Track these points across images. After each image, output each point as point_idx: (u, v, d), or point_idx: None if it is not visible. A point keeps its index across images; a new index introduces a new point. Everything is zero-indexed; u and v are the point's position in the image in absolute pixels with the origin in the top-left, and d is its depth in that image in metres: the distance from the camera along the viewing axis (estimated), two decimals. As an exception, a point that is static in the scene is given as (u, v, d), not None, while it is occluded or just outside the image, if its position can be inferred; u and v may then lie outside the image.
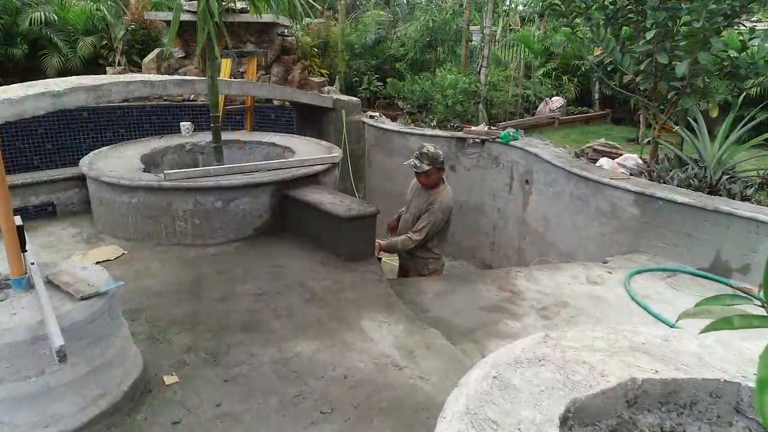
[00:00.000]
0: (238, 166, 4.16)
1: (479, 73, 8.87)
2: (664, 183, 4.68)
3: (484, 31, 8.73)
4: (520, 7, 15.19)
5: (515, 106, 10.29)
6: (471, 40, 11.45)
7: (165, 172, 3.89)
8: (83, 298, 2.05)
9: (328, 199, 3.88)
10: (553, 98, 10.42)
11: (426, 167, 3.67)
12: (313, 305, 3.14)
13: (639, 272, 4.02)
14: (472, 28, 11.38)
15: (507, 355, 1.81)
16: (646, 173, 4.99)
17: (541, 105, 10.25)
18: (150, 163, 4.88)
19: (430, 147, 3.74)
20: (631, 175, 5.17)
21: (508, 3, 13.73)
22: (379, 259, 3.85)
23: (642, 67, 4.74)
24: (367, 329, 2.88)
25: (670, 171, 4.91)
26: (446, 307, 3.46)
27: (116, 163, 4.39)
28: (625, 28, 5.31)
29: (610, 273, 4.04)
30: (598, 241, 4.77)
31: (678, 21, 4.68)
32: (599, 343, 1.84)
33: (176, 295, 3.22)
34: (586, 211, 4.89)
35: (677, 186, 4.56)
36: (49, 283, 2.15)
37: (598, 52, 5.24)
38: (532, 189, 5.91)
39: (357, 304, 3.17)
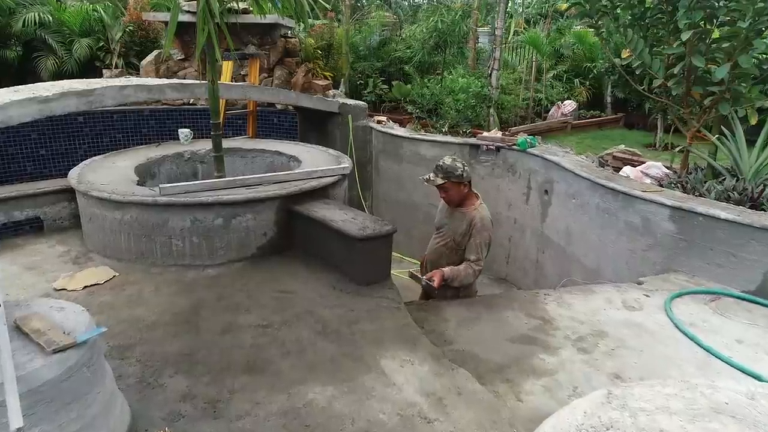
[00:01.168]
0: (241, 179, 3.82)
1: (490, 76, 8.55)
2: (700, 195, 4.34)
3: (496, 32, 8.41)
4: (521, 9, 14.91)
5: (526, 110, 9.98)
6: (477, 42, 11.15)
7: (160, 186, 3.55)
8: (56, 351, 1.71)
9: (338, 216, 3.54)
10: (565, 102, 10.10)
11: (440, 180, 3.35)
12: (326, 339, 2.79)
13: (679, 295, 3.67)
14: (479, 29, 11.09)
15: (568, 422, 1.47)
16: (679, 185, 4.64)
17: (553, 109, 9.93)
18: (145, 173, 4.54)
19: (447, 159, 3.42)
20: (660, 185, 4.83)
21: (519, 2, 13.43)
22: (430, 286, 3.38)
23: (675, 70, 4.40)
24: (388, 370, 2.54)
25: (705, 182, 4.57)
26: (472, 337, 3.12)
27: (108, 174, 4.05)
28: (652, 28, 4.97)
29: (647, 296, 3.69)
30: (628, 258, 4.42)
31: (714, 21, 4.35)
32: (674, 404, 1.51)
33: (172, 328, 2.88)
34: (615, 225, 4.54)
35: (715, 199, 4.22)
36: (17, 330, 1.81)
37: (626, 54, 4.90)
38: (551, 199, 5.56)
39: (375, 337, 2.82)
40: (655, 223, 4.16)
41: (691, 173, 4.90)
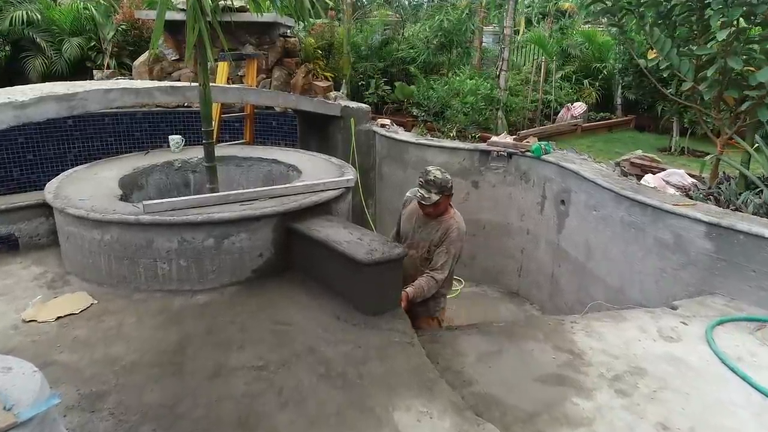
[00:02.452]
0: (234, 194, 3.45)
1: (498, 77, 8.19)
2: (736, 210, 3.98)
3: (505, 32, 8.05)
4: (522, 9, 14.59)
5: (534, 112, 9.61)
6: (482, 42, 10.79)
7: (144, 203, 3.18)
8: (-9, 436, 1.35)
9: (343, 236, 3.17)
10: (574, 104, 9.73)
11: (435, 197, 3.07)
12: (330, 384, 2.43)
13: (720, 323, 3.31)
14: (484, 28, 10.72)
15: None
16: (711, 197, 4.28)
17: (562, 111, 9.56)
18: (132, 185, 4.18)
19: (436, 172, 3.11)
20: (689, 196, 4.47)
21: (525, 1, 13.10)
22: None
23: (709, 72, 4.04)
24: (403, 426, 2.17)
25: (740, 194, 4.22)
26: (494, 376, 2.76)
27: (89, 188, 3.69)
28: (680, 27, 4.61)
29: (685, 324, 3.33)
30: (658, 277, 4.06)
31: (752, 19, 3.99)
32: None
33: (154, 370, 2.52)
34: (642, 241, 4.18)
35: (753, 214, 3.86)
36: (-52, 404, 1.44)
37: (652, 55, 4.54)
38: (569, 210, 5.20)
39: (386, 382, 2.46)
40: (689, 240, 3.80)
41: (722, 183, 4.54)
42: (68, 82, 5.13)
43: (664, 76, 4.49)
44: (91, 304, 3.09)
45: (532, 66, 10.26)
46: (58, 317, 2.92)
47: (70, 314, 2.96)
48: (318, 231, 3.26)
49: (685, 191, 4.80)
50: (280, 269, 3.44)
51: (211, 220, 3.16)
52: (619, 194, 4.35)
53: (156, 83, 5.27)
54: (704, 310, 3.50)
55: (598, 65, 10.82)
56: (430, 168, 3.14)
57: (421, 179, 3.09)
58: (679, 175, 5.30)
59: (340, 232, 3.24)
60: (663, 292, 4.02)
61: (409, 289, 3.15)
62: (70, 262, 3.45)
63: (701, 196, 4.39)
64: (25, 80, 8.04)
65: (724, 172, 4.83)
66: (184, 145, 5.13)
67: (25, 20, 8.37)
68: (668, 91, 4.77)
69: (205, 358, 2.60)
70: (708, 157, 4.69)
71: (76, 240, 3.31)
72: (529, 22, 14.39)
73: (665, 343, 3.12)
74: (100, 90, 4.38)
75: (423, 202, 3.09)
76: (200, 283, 3.24)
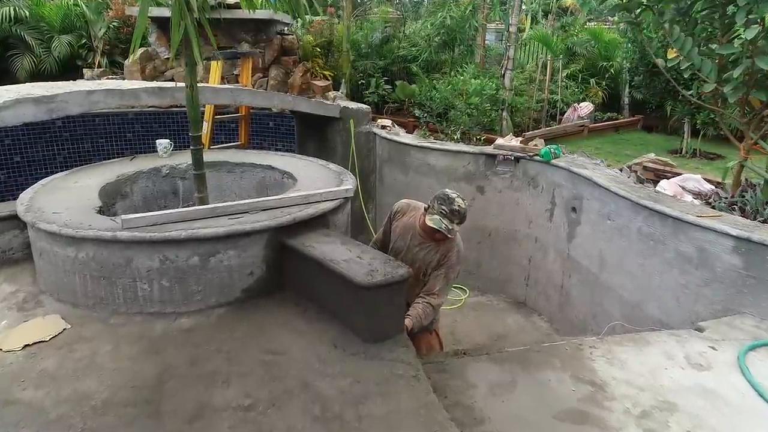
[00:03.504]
0: (222, 207, 3.16)
1: (503, 76, 7.89)
2: (764, 221, 3.70)
3: (510, 29, 7.75)
4: (523, 6, 14.28)
5: (539, 112, 9.31)
6: (485, 40, 10.47)
7: (122, 217, 2.89)
8: None
9: (341, 254, 2.89)
10: (581, 104, 9.42)
11: (457, 228, 2.86)
12: (325, 429, 2.15)
13: (753, 348, 3.04)
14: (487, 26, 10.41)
15: None
16: (736, 207, 4.00)
17: (569, 111, 9.25)
18: (115, 194, 3.90)
19: (459, 200, 2.86)
20: (710, 205, 4.19)
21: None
22: None
23: (735, 74, 3.75)
24: (409, 483, 1.90)
25: (766, 204, 3.93)
26: (508, 413, 2.48)
27: (65, 198, 3.40)
28: (700, 25, 4.33)
29: (714, 349, 3.05)
30: (679, 293, 3.78)
31: (782, 16, 3.70)
32: None
33: (128, 409, 2.24)
34: (662, 254, 3.90)
35: (782, 225, 3.59)
36: None
37: (672, 54, 4.25)
38: (581, 218, 4.91)
39: (388, 425, 2.18)
40: (715, 254, 3.52)
41: (746, 192, 4.26)
42: (50, 82, 4.84)
43: (685, 76, 4.20)
44: (63, 329, 2.81)
45: (537, 65, 9.96)
46: (26, 345, 2.65)
47: (39, 342, 2.68)
48: (313, 248, 2.98)
49: (703, 198, 4.53)
50: (272, 289, 3.16)
51: (196, 236, 2.88)
52: (637, 203, 4.07)
53: (143, 84, 4.99)
54: (733, 332, 3.23)
55: (605, 64, 10.51)
56: (452, 195, 2.85)
57: (444, 208, 2.79)
58: (695, 180, 5.02)
59: (337, 249, 2.96)
60: (685, 309, 3.74)
61: (407, 321, 2.91)
62: (44, 281, 3.17)
63: (724, 205, 4.11)
64: (12, 79, 7.76)
65: (747, 179, 4.55)
66: (176, 149, 4.84)
67: (12, 17, 8.08)
68: (689, 93, 4.48)
69: (187, 396, 2.32)
70: (731, 163, 4.39)
71: (50, 257, 3.03)
72: (533, 20, 14.08)
73: (694, 372, 2.85)
74: (82, 92, 4.10)
75: (449, 235, 2.85)
76: (184, 305, 2.96)
